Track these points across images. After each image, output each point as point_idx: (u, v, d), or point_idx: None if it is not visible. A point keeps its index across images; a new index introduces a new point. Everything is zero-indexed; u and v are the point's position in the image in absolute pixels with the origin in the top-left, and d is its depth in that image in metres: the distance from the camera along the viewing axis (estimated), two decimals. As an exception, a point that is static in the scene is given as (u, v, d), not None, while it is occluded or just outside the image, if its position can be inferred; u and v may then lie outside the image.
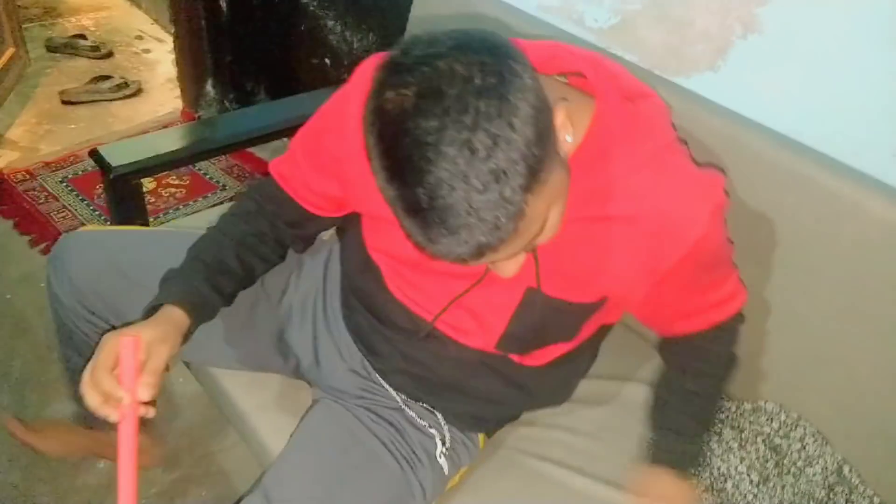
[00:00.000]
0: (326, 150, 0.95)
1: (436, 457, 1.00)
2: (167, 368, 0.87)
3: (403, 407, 1.04)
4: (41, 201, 2.30)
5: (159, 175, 2.39)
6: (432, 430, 1.02)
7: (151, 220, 2.27)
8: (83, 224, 2.21)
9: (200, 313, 0.95)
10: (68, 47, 3.13)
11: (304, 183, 1.01)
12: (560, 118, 0.69)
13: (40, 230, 2.18)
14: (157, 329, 0.87)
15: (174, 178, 2.43)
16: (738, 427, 1.16)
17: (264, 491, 0.91)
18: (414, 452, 0.99)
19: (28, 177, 2.38)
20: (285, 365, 1.15)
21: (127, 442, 0.79)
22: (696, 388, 1.04)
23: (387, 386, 1.06)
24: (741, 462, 1.12)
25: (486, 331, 0.96)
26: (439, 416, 1.04)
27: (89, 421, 1.31)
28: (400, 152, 0.62)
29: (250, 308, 1.11)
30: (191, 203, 2.34)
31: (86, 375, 0.82)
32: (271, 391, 1.18)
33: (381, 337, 1.05)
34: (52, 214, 2.24)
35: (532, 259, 0.85)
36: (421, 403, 1.05)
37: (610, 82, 0.82)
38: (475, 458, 1.09)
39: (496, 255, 0.66)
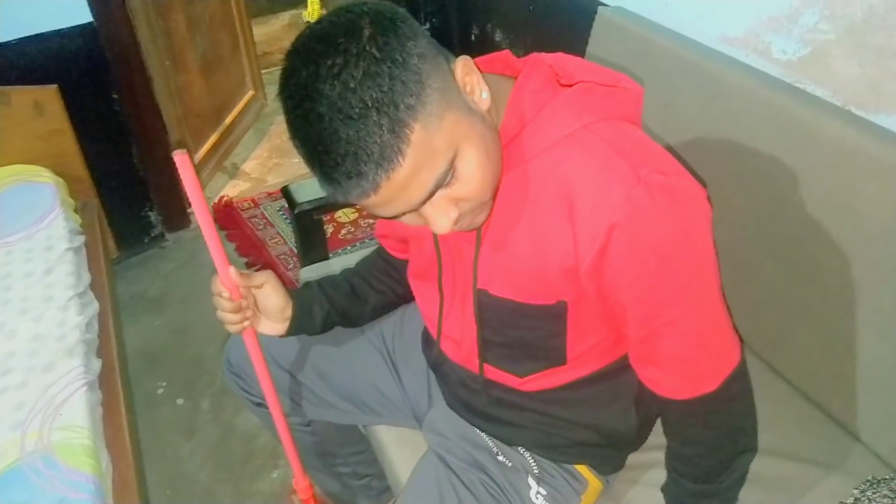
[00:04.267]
0: None
1: (531, 498, 0.98)
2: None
3: (490, 445, 1.03)
4: (260, 227, 2.57)
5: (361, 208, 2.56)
6: (519, 468, 1.00)
7: (349, 248, 2.45)
8: (291, 249, 2.44)
9: (301, 308, 1.08)
10: (302, 88, 3.48)
11: (380, 228, 1.14)
12: (461, 69, 0.72)
13: (256, 253, 2.44)
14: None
15: (373, 209, 2.59)
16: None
17: None
18: (507, 497, 0.97)
19: (252, 205, 2.69)
20: (403, 413, 1.21)
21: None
22: (687, 472, 0.91)
23: (469, 424, 1.07)
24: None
25: (467, 340, 0.97)
26: (521, 448, 1.02)
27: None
28: (291, 105, 0.66)
29: (378, 365, 1.21)
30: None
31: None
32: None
33: (442, 370, 1.08)
34: (267, 240, 2.50)
35: (472, 256, 0.87)
36: (495, 439, 1.05)
37: (537, 68, 0.81)
38: (586, 494, 1.03)
39: (397, 189, 0.66)
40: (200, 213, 0.85)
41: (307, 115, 0.65)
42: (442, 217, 0.73)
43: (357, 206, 2.55)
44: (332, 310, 1.11)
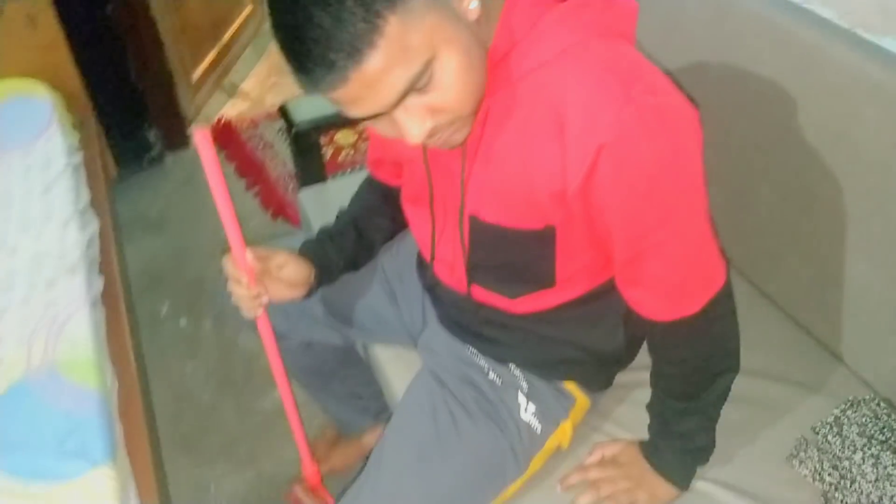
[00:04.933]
0: None
1: (520, 413, 1.01)
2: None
3: (482, 363, 1.06)
4: (259, 148, 2.56)
5: (360, 129, 2.54)
6: (509, 385, 1.03)
7: (348, 171, 2.43)
8: (290, 172, 2.43)
9: (322, 268, 1.09)
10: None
11: (373, 152, 1.13)
12: None
13: (255, 174, 2.44)
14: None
15: (373, 130, 2.56)
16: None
17: (368, 471, 1.01)
18: (498, 413, 1.00)
19: (252, 126, 2.66)
20: (401, 330, 1.23)
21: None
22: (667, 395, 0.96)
23: (462, 343, 1.09)
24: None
25: (458, 263, 0.97)
26: (511, 366, 1.05)
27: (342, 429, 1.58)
28: None
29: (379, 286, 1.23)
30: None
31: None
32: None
33: (435, 291, 1.10)
34: (266, 161, 2.49)
35: (459, 180, 0.87)
36: (487, 357, 1.07)
37: None
38: (574, 410, 1.06)
39: (367, 83, 0.65)
40: (218, 196, 0.83)
41: (282, 5, 0.64)
42: (415, 125, 0.71)
43: (355, 128, 2.54)
44: (345, 262, 1.13)
